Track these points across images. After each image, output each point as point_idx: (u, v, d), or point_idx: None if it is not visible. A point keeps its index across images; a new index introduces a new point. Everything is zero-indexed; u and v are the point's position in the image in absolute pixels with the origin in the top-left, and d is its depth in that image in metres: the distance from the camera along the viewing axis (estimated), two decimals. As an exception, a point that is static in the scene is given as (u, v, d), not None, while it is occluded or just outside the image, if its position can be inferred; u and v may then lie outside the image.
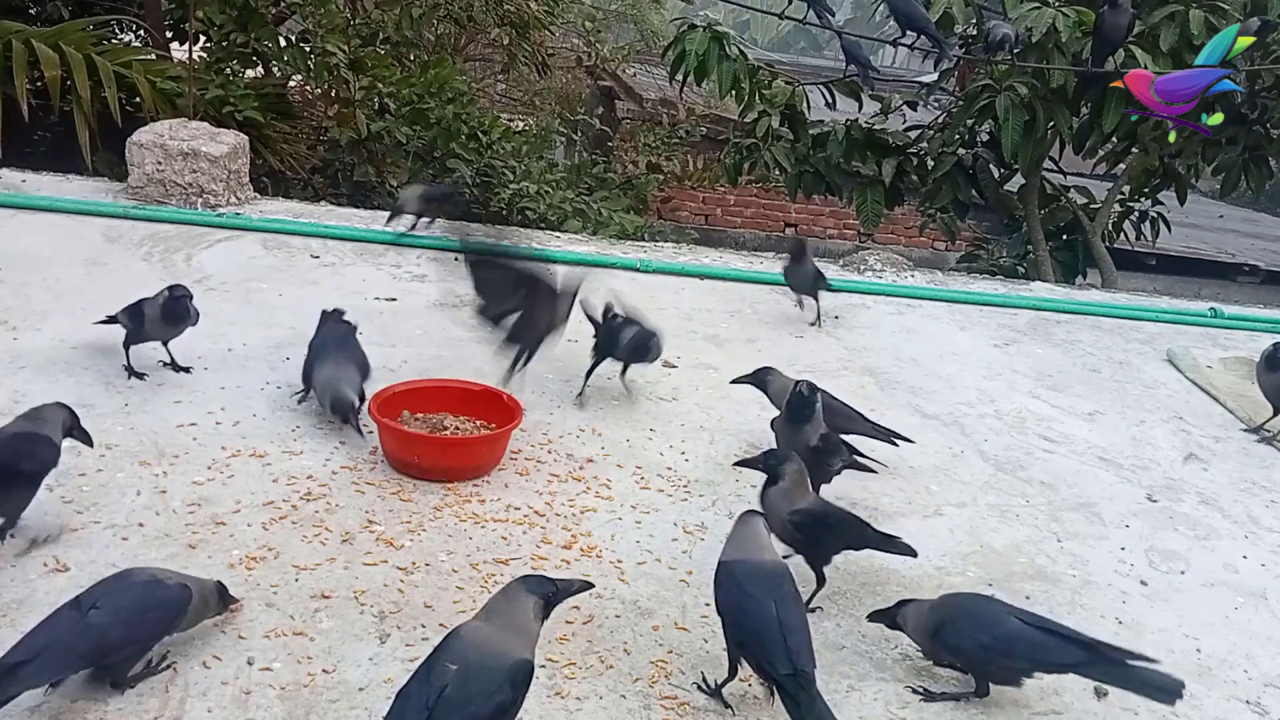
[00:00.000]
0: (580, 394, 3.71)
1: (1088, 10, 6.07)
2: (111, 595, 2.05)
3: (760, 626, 2.13)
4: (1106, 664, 2.29)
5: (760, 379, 3.50)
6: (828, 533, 2.64)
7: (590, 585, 2.17)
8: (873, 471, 3.23)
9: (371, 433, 3.18)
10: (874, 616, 2.52)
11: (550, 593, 1.99)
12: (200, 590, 2.19)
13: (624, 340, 3.64)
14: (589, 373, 3.72)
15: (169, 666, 2.16)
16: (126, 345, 3.45)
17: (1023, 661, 2.33)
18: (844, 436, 3.21)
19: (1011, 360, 4.79)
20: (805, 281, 4.82)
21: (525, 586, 1.98)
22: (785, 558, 2.58)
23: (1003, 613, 2.39)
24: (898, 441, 3.44)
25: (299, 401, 3.40)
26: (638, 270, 5.38)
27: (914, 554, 2.67)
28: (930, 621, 2.39)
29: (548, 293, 3.32)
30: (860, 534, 2.67)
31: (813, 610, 2.62)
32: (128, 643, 2.05)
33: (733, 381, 3.63)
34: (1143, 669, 2.28)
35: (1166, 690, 2.25)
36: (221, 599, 2.28)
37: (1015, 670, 2.35)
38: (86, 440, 2.73)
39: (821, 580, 2.66)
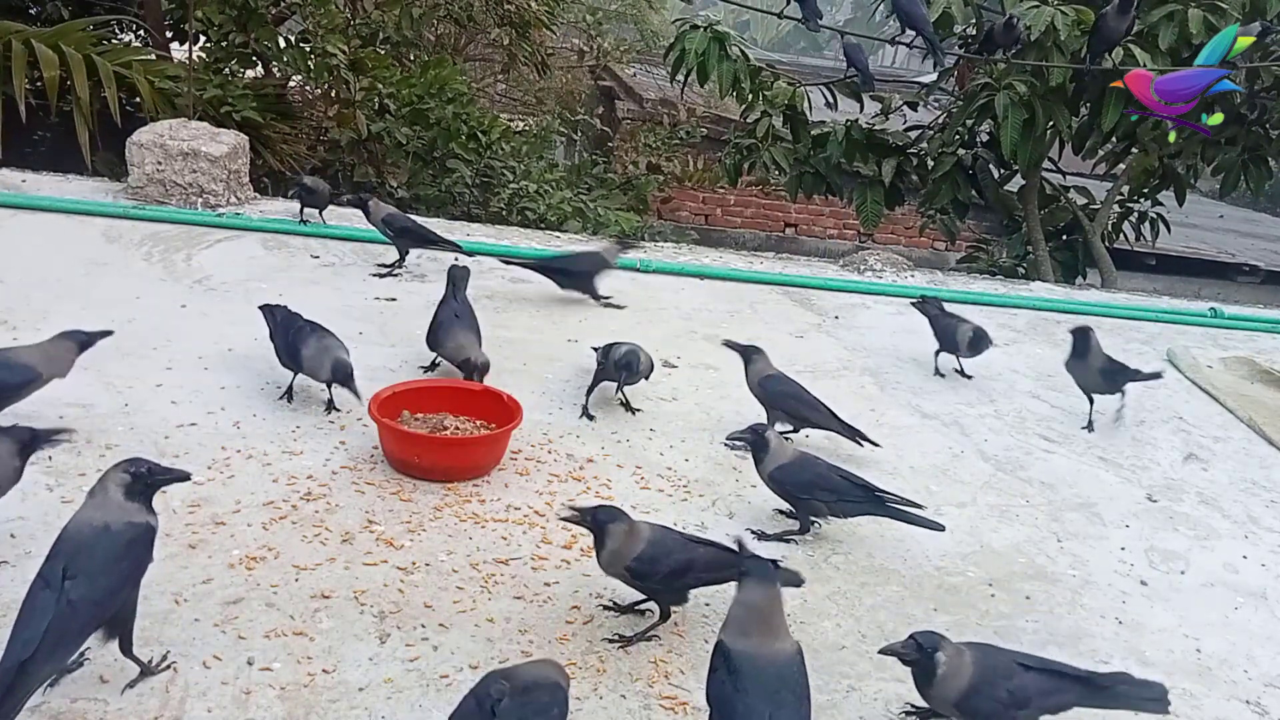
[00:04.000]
0: (583, 414, 3.62)
1: (1086, 9, 6.07)
2: (79, 559, 1.98)
3: None
4: (1099, 691, 2.21)
5: (747, 354, 3.65)
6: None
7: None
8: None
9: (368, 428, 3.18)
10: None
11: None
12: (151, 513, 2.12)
13: (613, 359, 3.60)
14: (589, 392, 3.67)
15: (169, 666, 2.16)
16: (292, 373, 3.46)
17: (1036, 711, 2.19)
18: (813, 429, 3.52)
19: (1011, 360, 4.79)
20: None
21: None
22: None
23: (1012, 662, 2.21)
24: (862, 442, 3.50)
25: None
26: (638, 270, 5.38)
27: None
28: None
29: None
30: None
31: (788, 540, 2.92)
32: (115, 596, 2.01)
33: (724, 343, 3.80)
34: (1128, 686, 2.21)
35: (1156, 699, 2.19)
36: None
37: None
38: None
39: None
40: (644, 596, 2.51)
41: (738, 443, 3.09)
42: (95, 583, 1.97)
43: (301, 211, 5.30)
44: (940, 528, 2.90)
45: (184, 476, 2.24)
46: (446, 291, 3.87)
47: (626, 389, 3.67)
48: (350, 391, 3.24)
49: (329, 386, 3.41)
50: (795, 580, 2.45)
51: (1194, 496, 3.66)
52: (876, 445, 3.54)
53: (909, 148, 7.44)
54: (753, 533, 2.98)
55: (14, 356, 2.97)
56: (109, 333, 3.22)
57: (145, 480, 2.13)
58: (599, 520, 2.41)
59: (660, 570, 2.39)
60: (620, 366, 3.53)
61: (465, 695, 1.86)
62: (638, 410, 3.69)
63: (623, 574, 2.44)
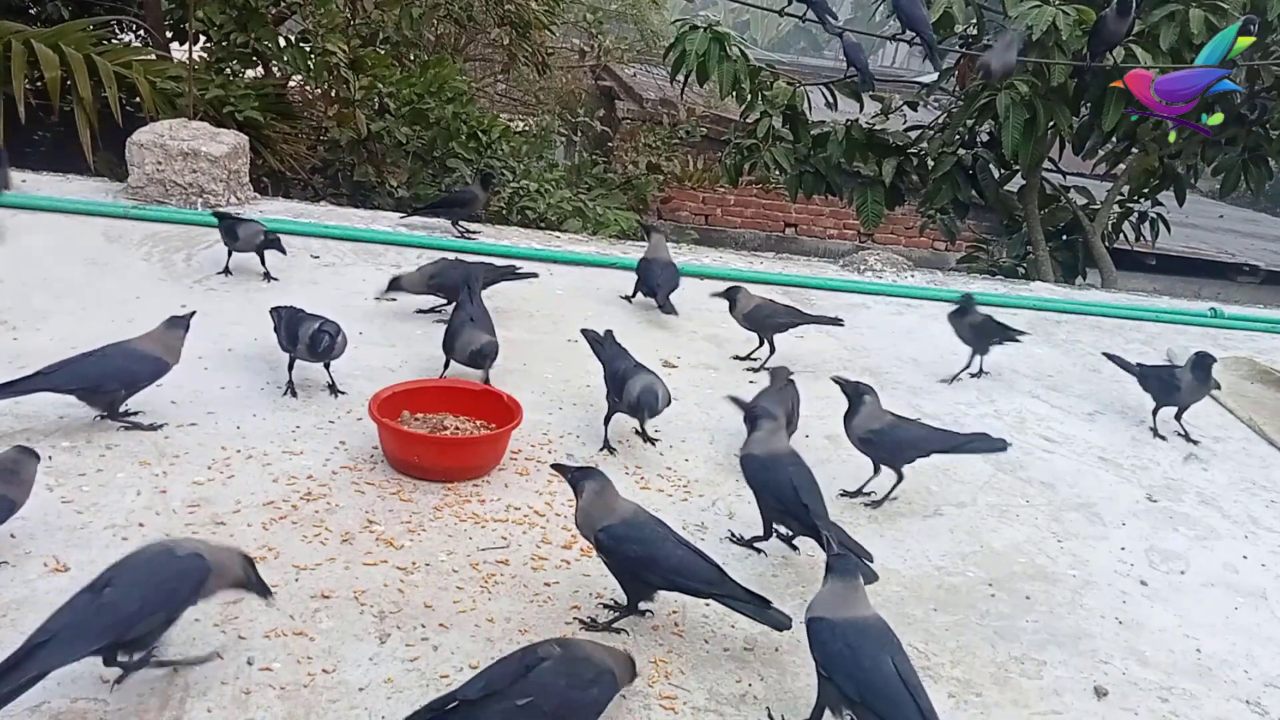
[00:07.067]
0: (604, 448, 3.39)
1: (1088, 9, 6.07)
2: (124, 571, 2.04)
3: (883, 684, 2.04)
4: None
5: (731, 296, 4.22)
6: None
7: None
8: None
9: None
10: None
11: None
12: (216, 557, 2.14)
13: (628, 400, 3.31)
14: (606, 422, 3.43)
15: (162, 661, 2.14)
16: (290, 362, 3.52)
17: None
18: (793, 326, 4.25)
19: (1011, 360, 4.79)
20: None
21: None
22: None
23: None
24: (834, 323, 4.36)
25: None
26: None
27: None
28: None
29: None
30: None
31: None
32: (144, 615, 2.02)
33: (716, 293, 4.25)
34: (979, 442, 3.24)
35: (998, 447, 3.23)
36: (248, 568, 2.21)
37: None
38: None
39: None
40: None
41: (737, 404, 3.33)
42: (130, 593, 2.01)
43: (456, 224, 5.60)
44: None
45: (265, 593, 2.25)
46: (461, 295, 3.83)
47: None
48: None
49: (327, 369, 3.50)
50: (782, 623, 2.40)
51: (1194, 496, 3.66)
52: (840, 322, 4.38)
53: (909, 148, 7.44)
54: (731, 537, 2.95)
55: (141, 347, 3.16)
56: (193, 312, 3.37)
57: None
58: (576, 478, 2.52)
59: (626, 551, 2.40)
60: (636, 408, 3.28)
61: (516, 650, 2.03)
62: (656, 440, 3.52)
63: (592, 541, 2.49)
